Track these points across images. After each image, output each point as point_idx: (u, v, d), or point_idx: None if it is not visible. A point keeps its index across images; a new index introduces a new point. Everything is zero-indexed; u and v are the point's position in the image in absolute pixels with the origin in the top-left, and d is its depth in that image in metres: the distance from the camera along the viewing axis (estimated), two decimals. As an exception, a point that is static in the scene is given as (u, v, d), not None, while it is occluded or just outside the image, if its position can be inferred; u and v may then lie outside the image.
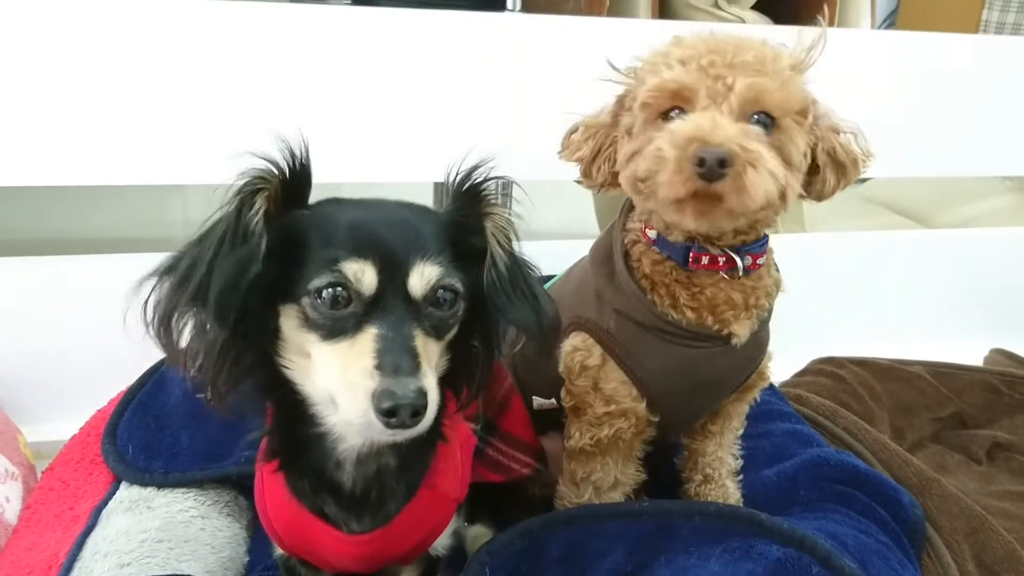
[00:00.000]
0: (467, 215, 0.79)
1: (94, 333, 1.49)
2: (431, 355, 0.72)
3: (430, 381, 0.68)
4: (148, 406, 1.26)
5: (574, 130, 1.06)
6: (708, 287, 1.01)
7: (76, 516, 1.11)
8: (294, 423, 0.78)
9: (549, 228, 1.81)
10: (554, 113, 1.61)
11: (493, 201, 0.79)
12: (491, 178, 0.79)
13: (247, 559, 1.15)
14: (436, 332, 0.73)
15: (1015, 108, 1.94)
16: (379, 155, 1.57)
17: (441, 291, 0.73)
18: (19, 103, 1.38)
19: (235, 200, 0.70)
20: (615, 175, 1.01)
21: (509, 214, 0.79)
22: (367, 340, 0.68)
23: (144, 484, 1.16)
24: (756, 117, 0.89)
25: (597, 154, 1.02)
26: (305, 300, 0.70)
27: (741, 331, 1.04)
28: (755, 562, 0.93)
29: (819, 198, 1.00)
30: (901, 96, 1.81)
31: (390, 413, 0.65)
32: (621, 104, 1.00)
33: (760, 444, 1.33)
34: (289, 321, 0.73)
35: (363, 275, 0.70)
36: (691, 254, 1.00)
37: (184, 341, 0.72)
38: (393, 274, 0.71)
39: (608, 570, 0.98)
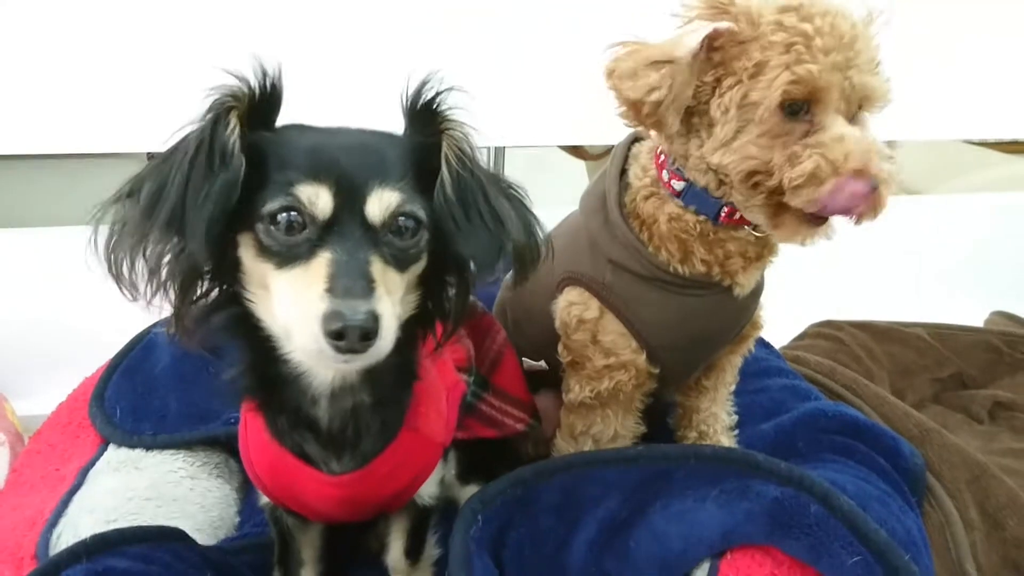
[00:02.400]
0: (426, 136, 0.74)
1: (81, 306, 1.48)
2: (391, 285, 0.68)
3: (385, 306, 0.64)
4: (136, 370, 1.25)
5: (644, 62, 0.90)
6: (731, 240, 0.99)
7: (62, 476, 1.09)
8: (266, 360, 0.76)
9: (538, 197, 1.79)
10: (545, 75, 1.61)
11: (448, 117, 0.74)
12: (443, 90, 0.74)
13: (238, 519, 1.13)
14: (397, 262, 0.70)
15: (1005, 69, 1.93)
16: (361, 108, 1.56)
17: (402, 218, 0.69)
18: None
19: (208, 117, 0.67)
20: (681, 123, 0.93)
21: (465, 129, 0.74)
22: (320, 265, 0.65)
23: (132, 446, 1.14)
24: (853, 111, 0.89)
25: (674, 100, 0.90)
26: (259, 226, 0.67)
27: (746, 282, 1.03)
28: (752, 501, 0.91)
29: None
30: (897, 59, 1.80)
31: (338, 336, 0.62)
32: (712, 48, 0.89)
33: (756, 399, 1.31)
34: (247, 251, 0.70)
35: (317, 199, 0.67)
36: (725, 209, 0.97)
37: (143, 271, 0.68)
38: (350, 199, 0.67)
39: (603, 517, 0.96)
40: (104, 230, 0.68)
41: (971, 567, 1.06)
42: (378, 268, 0.67)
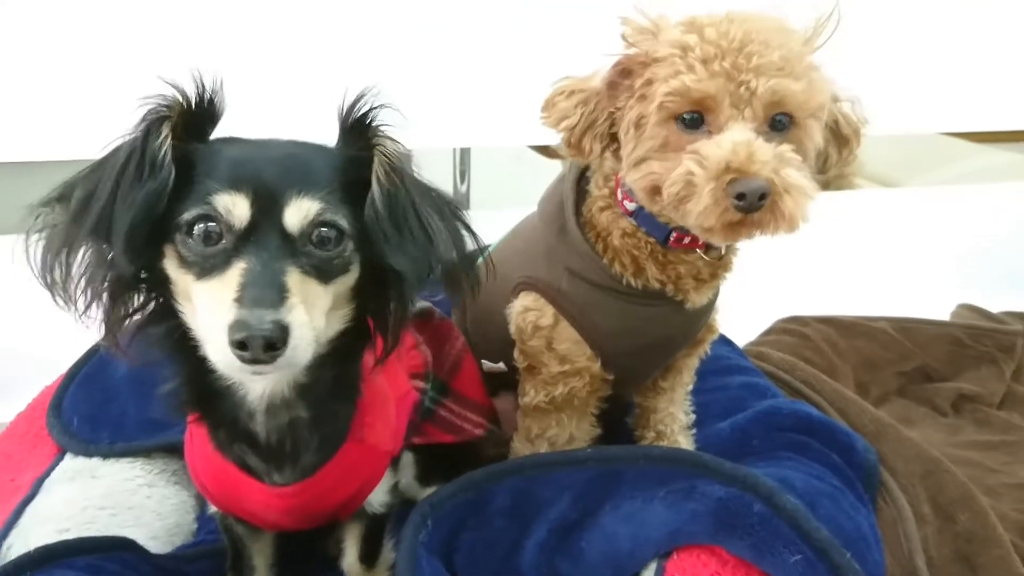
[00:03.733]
0: (359, 150, 0.74)
1: (43, 313, 1.48)
2: (312, 296, 0.68)
3: (297, 316, 0.64)
4: (94, 379, 1.25)
5: (560, 93, 0.96)
6: (681, 263, 0.99)
7: (17, 487, 1.09)
8: (201, 373, 0.76)
9: (509, 196, 1.80)
10: (513, 77, 1.61)
11: (380, 132, 0.75)
12: (377, 107, 0.75)
13: (195, 526, 1.14)
14: (319, 273, 0.69)
15: (982, 61, 1.94)
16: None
17: (323, 228, 0.69)
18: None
19: (140, 127, 0.67)
20: (605, 148, 0.95)
21: (397, 144, 0.74)
22: (234, 275, 0.65)
23: (89, 455, 1.14)
24: (777, 117, 0.85)
25: (589, 127, 0.93)
26: (178, 236, 0.68)
27: (699, 300, 1.03)
28: (698, 502, 0.92)
29: (821, 172, 0.96)
30: (868, 52, 1.80)
31: (242, 346, 0.62)
32: (621, 73, 0.91)
33: (715, 397, 1.32)
34: (171, 262, 0.70)
35: (234, 207, 0.66)
36: (674, 234, 0.97)
37: (75, 279, 0.68)
38: (268, 208, 0.67)
39: (554, 519, 0.97)
40: (37, 236, 0.68)
41: (921, 561, 1.08)
42: (295, 279, 0.66)
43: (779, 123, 0.86)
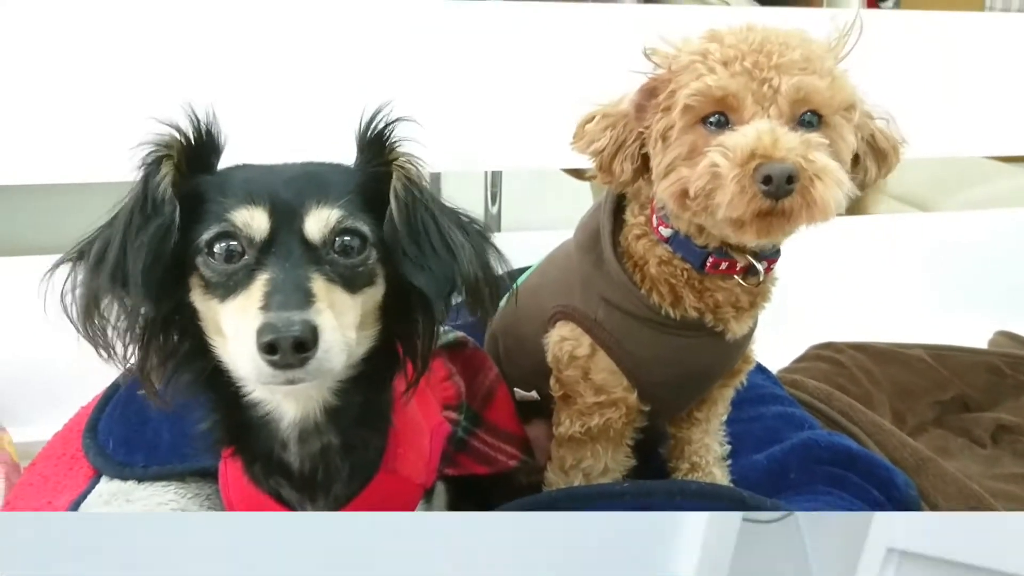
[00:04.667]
0: (377, 166, 0.74)
1: (76, 334, 1.49)
2: (340, 305, 0.67)
3: (325, 319, 0.63)
4: (130, 401, 1.25)
5: (589, 119, 0.97)
6: (719, 290, 0.98)
7: (54, 510, 1.09)
8: (235, 410, 0.76)
9: (541, 218, 1.79)
10: (543, 100, 1.61)
11: (398, 147, 0.75)
12: (394, 121, 0.75)
13: (228, 552, 1.13)
14: (345, 282, 0.68)
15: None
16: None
17: (346, 237, 0.69)
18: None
19: (140, 171, 0.68)
20: (637, 172, 0.95)
21: (416, 159, 0.74)
22: (258, 287, 0.64)
23: (124, 478, 1.14)
24: (805, 117, 0.85)
25: (619, 149, 0.93)
26: (199, 259, 0.68)
27: (738, 330, 1.02)
28: (737, 541, 0.91)
29: (861, 188, 0.94)
30: (901, 76, 1.78)
31: (271, 349, 0.60)
32: (647, 94, 0.92)
33: (751, 428, 1.31)
34: (196, 292, 0.70)
35: (253, 220, 0.66)
36: (710, 259, 0.96)
37: (111, 330, 0.69)
38: (288, 220, 0.67)
39: (589, 554, 0.96)
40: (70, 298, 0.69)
41: (965, 603, 1.05)
42: (321, 285, 0.66)
43: (807, 122, 0.85)
